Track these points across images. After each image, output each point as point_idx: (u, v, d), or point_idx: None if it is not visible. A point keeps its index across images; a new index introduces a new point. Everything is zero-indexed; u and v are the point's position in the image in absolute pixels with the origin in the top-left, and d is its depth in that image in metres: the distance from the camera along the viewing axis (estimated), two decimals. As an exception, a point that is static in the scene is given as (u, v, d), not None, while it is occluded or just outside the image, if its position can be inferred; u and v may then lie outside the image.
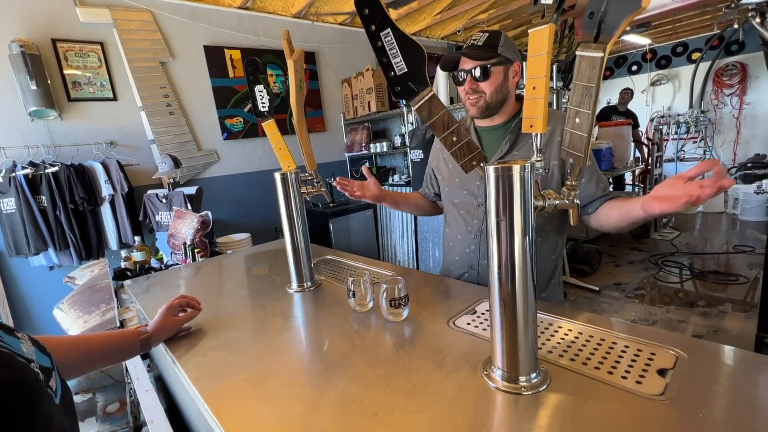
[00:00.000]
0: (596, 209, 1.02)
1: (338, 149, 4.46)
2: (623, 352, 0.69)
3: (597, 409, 0.56)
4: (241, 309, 1.09)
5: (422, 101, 0.61)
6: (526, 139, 1.10)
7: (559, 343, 0.74)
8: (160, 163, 2.80)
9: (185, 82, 3.35)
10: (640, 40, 5.68)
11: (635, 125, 4.99)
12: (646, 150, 4.68)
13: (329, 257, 1.48)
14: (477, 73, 1.04)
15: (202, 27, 3.41)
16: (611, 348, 0.70)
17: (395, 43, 0.58)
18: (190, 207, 2.71)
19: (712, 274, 3.43)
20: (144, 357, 1.48)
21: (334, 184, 1.25)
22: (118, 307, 1.85)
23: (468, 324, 0.84)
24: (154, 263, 2.35)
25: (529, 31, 0.58)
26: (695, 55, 6.91)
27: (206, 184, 3.37)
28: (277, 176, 1.08)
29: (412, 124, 3.62)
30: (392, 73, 0.60)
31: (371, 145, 4.10)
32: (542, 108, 0.59)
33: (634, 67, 7.53)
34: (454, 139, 0.63)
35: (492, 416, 0.58)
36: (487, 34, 1.03)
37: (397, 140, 4.03)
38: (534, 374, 0.62)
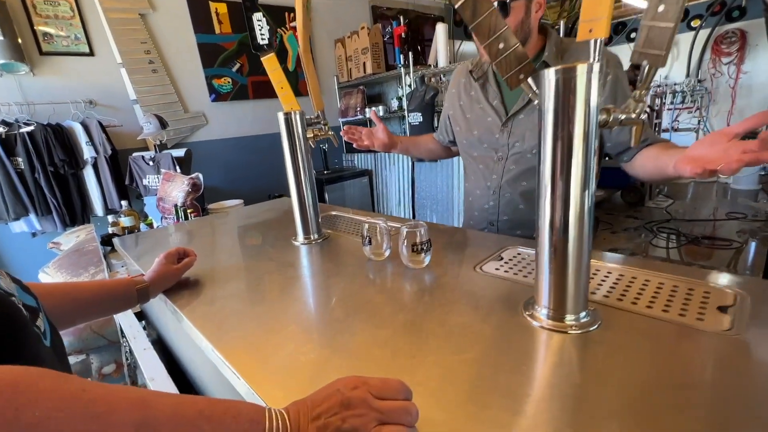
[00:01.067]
0: (632, 157, 0.94)
1: (332, 114, 4.29)
2: (673, 291, 0.63)
3: (658, 345, 0.51)
4: (244, 261, 1.01)
5: (467, -4, 0.51)
6: None
7: (601, 284, 0.68)
8: (145, 123, 2.63)
9: (168, 38, 3.12)
10: (640, 4, 5.49)
11: None
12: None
13: (334, 213, 1.40)
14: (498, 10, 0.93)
15: (184, -25, 3.14)
16: (659, 288, 0.65)
17: None
18: (179, 170, 2.57)
19: (707, 239, 3.47)
20: (140, 318, 1.41)
21: (341, 134, 1.15)
22: (108, 270, 1.76)
23: (497, 269, 0.78)
24: (143, 228, 2.23)
25: None
26: (695, 22, 6.75)
27: (194, 148, 3.20)
28: (280, 116, 0.98)
29: (410, 86, 3.47)
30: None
31: (367, 110, 3.94)
32: (608, 6, 0.50)
33: (633, 34, 7.33)
34: (501, 46, 0.54)
35: (540, 355, 0.52)
36: None
37: (394, 104, 3.88)
38: (583, 313, 0.57)
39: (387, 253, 0.89)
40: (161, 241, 1.31)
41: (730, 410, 0.39)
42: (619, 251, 3.34)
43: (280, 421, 0.36)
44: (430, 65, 3.55)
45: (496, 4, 0.93)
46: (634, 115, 0.51)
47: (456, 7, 0.52)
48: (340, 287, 0.77)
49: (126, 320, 1.25)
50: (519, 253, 0.86)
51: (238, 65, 3.51)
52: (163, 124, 2.65)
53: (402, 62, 3.47)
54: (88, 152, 2.64)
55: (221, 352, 0.58)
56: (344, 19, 4.20)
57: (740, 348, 0.48)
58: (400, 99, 3.78)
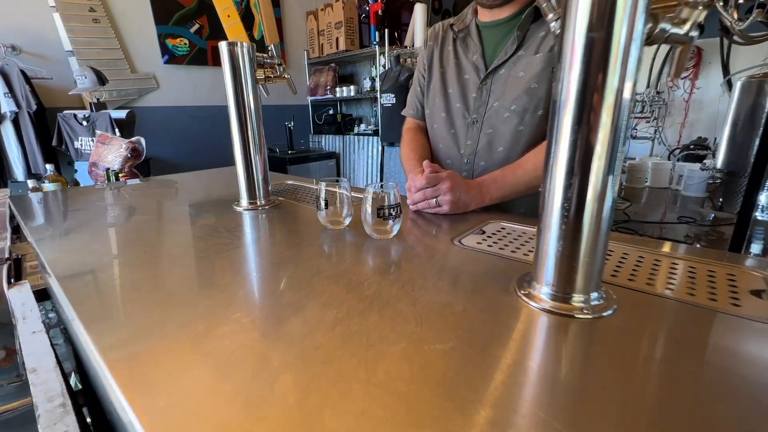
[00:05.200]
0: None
1: (300, 92, 4.03)
2: (692, 273, 0.52)
3: (694, 331, 0.39)
4: (174, 226, 0.82)
5: None
6: (536, 33, 0.88)
7: (616, 265, 0.56)
8: (79, 76, 2.28)
9: (114, -16, 2.75)
10: None
11: None
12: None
13: (290, 182, 1.21)
14: None
15: None
16: (673, 269, 0.54)
17: None
18: (118, 133, 2.26)
19: (662, 240, 3.60)
20: (43, 297, 1.17)
21: (411, 206, 0.86)
22: (18, 240, 1.47)
23: (478, 243, 0.64)
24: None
25: None
26: (659, 35, 7.07)
27: (143, 114, 2.86)
28: (223, 46, 0.78)
29: (383, 66, 3.30)
30: None
31: (337, 89, 3.73)
32: None
33: None
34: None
35: (543, 344, 0.38)
36: None
37: (366, 84, 3.70)
38: (595, 294, 0.44)
39: (347, 221, 0.73)
40: (76, 202, 1.08)
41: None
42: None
43: None
44: (406, 46, 3.40)
45: None
46: (683, 32, 0.38)
47: None
48: (282, 258, 0.61)
49: (19, 297, 1.01)
50: (503, 227, 0.73)
51: (197, 26, 3.17)
52: (101, 79, 2.32)
53: (377, 39, 3.29)
54: (6, 105, 2.26)
55: (93, 340, 0.40)
56: (319, -10, 3.94)
57: (798, 341, 0.37)
58: (373, 80, 3.60)
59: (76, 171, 2.41)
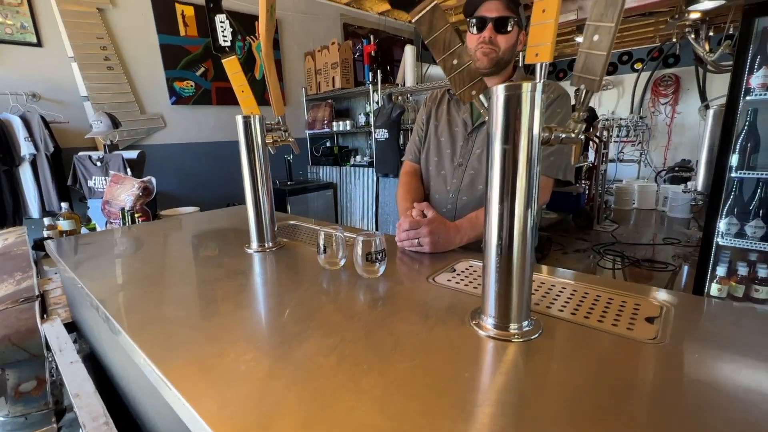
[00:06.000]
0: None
1: (299, 126, 4.26)
2: (609, 303, 0.67)
3: (592, 352, 0.53)
4: (191, 267, 0.96)
5: (423, 12, 0.53)
6: None
7: (544, 296, 0.71)
8: (95, 121, 2.47)
9: (128, 35, 2.99)
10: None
11: (594, 118, 5.29)
12: (594, 148, 4.97)
13: (292, 222, 1.37)
14: (500, 24, 1.02)
15: (150, -26, 3.05)
16: (596, 300, 0.69)
17: (397, -64, 0.50)
18: (129, 172, 2.43)
19: (646, 262, 3.74)
20: (70, 330, 1.29)
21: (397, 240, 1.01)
22: (38, 276, 1.60)
23: (448, 281, 0.79)
24: (84, 233, 2.07)
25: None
26: (638, 64, 7.48)
27: (150, 151, 3.05)
28: (239, 119, 0.95)
29: (377, 103, 3.53)
30: (390, -23, 0.52)
31: (334, 123, 3.96)
32: (551, 33, 0.54)
33: (587, 71, 8.00)
34: (455, 62, 0.56)
35: (485, 363, 0.53)
36: None
37: (361, 119, 3.93)
38: (526, 322, 0.58)
39: (342, 263, 0.88)
40: (103, 245, 1.22)
41: (654, 410, 0.41)
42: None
43: None
44: (397, 84, 3.65)
45: (502, 18, 1.01)
46: (573, 135, 0.55)
47: (413, 21, 0.54)
48: (290, 296, 0.75)
49: (53, 331, 1.14)
50: (471, 266, 0.88)
51: (202, 69, 3.42)
52: (115, 123, 2.51)
53: (371, 79, 3.53)
54: (26, 148, 2.44)
55: (154, 361, 0.54)
56: (315, 33, 4.24)
57: (663, 355, 0.52)
58: (367, 115, 3.84)
59: (88, 208, 2.56)
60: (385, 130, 3.30)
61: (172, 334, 0.63)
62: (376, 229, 3.75)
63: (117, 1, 2.91)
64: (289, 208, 3.64)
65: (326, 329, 0.61)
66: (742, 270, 1.90)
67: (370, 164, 3.73)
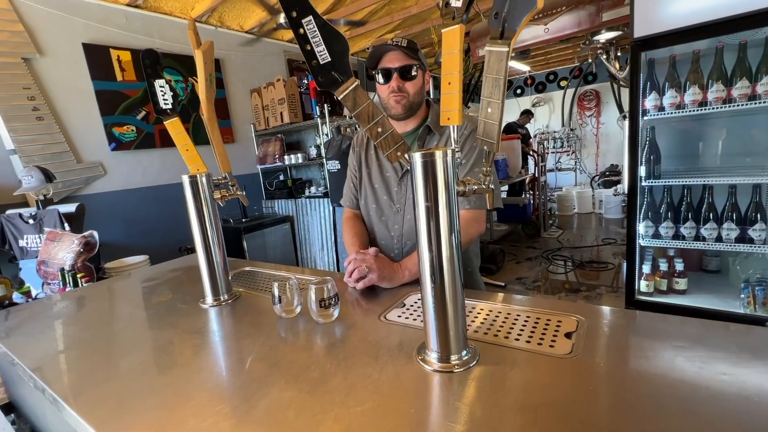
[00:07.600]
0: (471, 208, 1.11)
1: (249, 161, 4.23)
2: (536, 323, 0.77)
3: (521, 373, 0.61)
4: (143, 332, 0.95)
5: (347, 91, 0.61)
6: (432, 143, 1.18)
7: (482, 322, 0.79)
8: (25, 176, 2.33)
9: (59, 83, 2.87)
10: (521, 67, 6.58)
11: (529, 137, 5.79)
12: (533, 161, 5.37)
13: (247, 269, 1.38)
14: (405, 72, 1.09)
15: (81, 22, 2.98)
16: (526, 321, 0.78)
17: (317, 31, 0.57)
18: (68, 228, 2.29)
19: (589, 263, 4.05)
20: (8, 411, 1.19)
21: (346, 278, 1.06)
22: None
23: (399, 317, 0.86)
24: (17, 298, 1.92)
25: (442, 31, 0.63)
26: (563, 82, 8.29)
27: (90, 201, 2.89)
28: (185, 179, 0.98)
29: (327, 135, 3.62)
30: (315, 62, 0.60)
31: (285, 157, 3.99)
32: (458, 101, 0.64)
33: (519, 90, 8.71)
34: (380, 129, 0.64)
35: (430, 396, 0.59)
36: (407, 40, 1.09)
37: (313, 151, 3.99)
38: (464, 352, 0.66)
39: (298, 310, 0.92)
40: (39, 314, 1.16)
41: (571, 420, 0.49)
42: (523, 280, 3.74)
43: None
44: (345, 116, 3.76)
45: (405, 66, 1.09)
46: (484, 186, 0.64)
47: (338, 98, 0.62)
48: (248, 350, 0.77)
49: (-12, 416, 1.06)
50: (419, 299, 0.95)
51: (143, 113, 3.33)
52: (48, 176, 2.38)
53: (318, 113, 3.62)
54: (-57, 212, 2.23)
55: (111, 440, 0.55)
56: (259, 70, 4.29)
57: (577, 368, 0.61)
58: (318, 147, 3.91)
59: (20, 269, 2.37)
60: (337, 161, 3.38)
61: (124, 408, 0.63)
62: (337, 259, 3.77)
63: (45, 50, 2.80)
64: (245, 244, 3.56)
65: (283, 383, 0.64)
66: (663, 266, 2.14)
67: (326, 194, 3.78)
